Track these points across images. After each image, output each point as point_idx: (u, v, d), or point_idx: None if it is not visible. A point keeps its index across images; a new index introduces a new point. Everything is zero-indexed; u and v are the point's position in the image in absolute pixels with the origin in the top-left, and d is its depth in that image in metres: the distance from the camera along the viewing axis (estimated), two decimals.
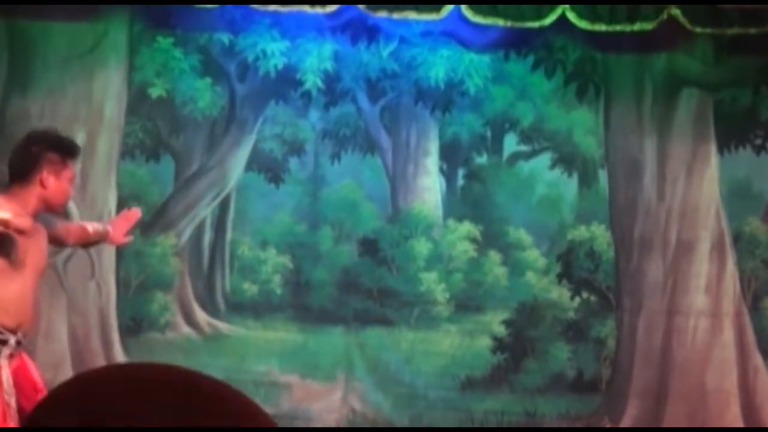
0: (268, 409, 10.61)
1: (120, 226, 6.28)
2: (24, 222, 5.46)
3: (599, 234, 9.81)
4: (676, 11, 8.75)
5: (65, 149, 5.68)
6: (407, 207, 9.97)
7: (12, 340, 5.54)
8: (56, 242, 6.07)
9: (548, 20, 8.80)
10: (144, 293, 9.79)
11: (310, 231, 9.92)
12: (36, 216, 5.63)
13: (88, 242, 6.25)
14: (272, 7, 8.87)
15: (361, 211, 9.93)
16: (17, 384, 5.59)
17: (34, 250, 5.62)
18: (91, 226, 6.23)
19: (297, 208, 9.97)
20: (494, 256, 9.92)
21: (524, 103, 9.85)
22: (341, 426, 9.63)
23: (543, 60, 9.67)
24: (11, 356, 5.57)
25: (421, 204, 9.97)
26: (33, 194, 5.58)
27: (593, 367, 9.78)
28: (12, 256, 5.47)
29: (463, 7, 8.77)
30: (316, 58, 9.58)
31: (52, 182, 5.60)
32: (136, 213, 6.29)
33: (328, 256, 9.87)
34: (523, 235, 9.94)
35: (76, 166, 5.77)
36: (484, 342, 9.82)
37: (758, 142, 9.82)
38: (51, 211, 5.71)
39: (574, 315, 9.83)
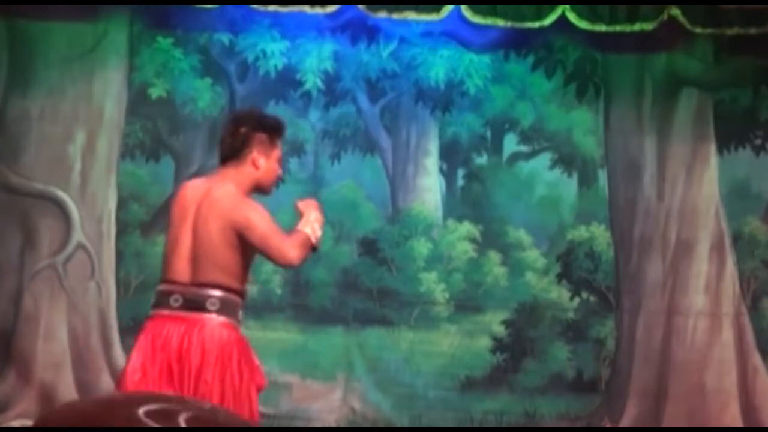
0: (268, 409, 10.62)
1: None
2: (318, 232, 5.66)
3: (599, 234, 9.82)
4: (676, 11, 8.75)
5: (272, 128, 5.64)
6: (407, 207, 9.97)
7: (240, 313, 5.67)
8: None
9: (548, 20, 8.80)
10: (144, 293, 9.76)
11: None
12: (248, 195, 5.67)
13: None
14: (272, 7, 8.87)
15: (361, 211, 9.93)
16: None
17: None
18: None
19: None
20: (494, 256, 9.92)
21: (524, 104, 9.86)
22: (341, 426, 9.63)
23: (543, 60, 9.68)
24: None
25: (420, 204, 9.97)
26: (247, 175, 5.60)
27: (593, 367, 9.79)
28: None
29: (463, 8, 8.77)
30: (316, 59, 9.59)
31: (263, 162, 5.61)
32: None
33: (328, 256, 9.86)
34: (522, 236, 9.94)
35: (282, 145, 5.75)
36: (484, 342, 9.83)
37: (758, 142, 9.82)
38: (261, 191, 5.73)
39: (573, 315, 9.84)
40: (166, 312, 5.59)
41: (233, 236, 5.51)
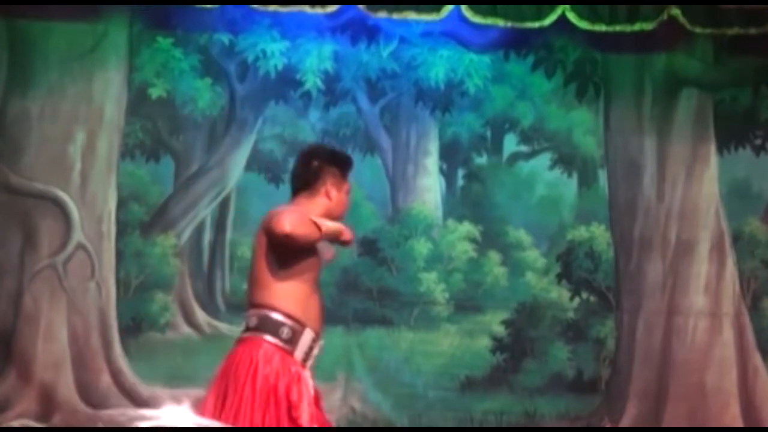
0: None
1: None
2: (350, 234, 5.72)
3: (599, 234, 9.82)
4: (676, 11, 8.75)
5: (343, 163, 5.87)
6: (407, 207, 9.97)
7: (316, 349, 5.77)
8: None
9: (548, 20, 8.79)
10: (144, 293, 9.79)
11: None
12: None
13: None
14: (272, 7, 8.86)
15: (361, 211, 9.93)
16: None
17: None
18: None
19: None
20: (494, 256, 9.92)
21: (524, 103, 9.86)
22: (341, 426, 9.63)
23: (543, 60, 9.67)
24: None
25: (420, 204, 9.98)
26: (320, 206, 5.76)
27: (593, 367, 9.79)
28: (317, 272, 5.76)
29: (463, 8, 8.77)
30: (316, 59, 9.59)
31: (335, 194, 5.80)
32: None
33: None
34: (522, 236, 9.95)
35: (350, 180, 5.91)
36: (484, 342, 9.83)
37: (758, 142, 9.83)
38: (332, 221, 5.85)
39: (573, 315, 9.84)
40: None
41: (264, 241, 5.64)
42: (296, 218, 5.56)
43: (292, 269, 5.66)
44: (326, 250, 5.75)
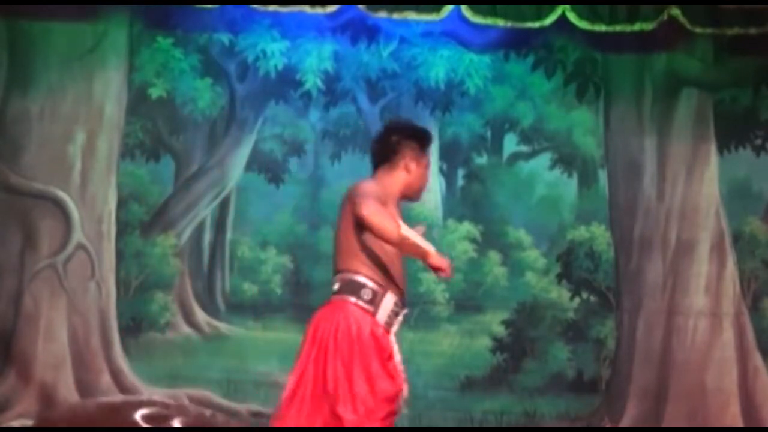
0: (268, 409, 10.58)
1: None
2: (441, 261, 5.74)
3: (599, 234, 9.81)
4: (676, 11, 8.75)
5: (422, 138, 5.93)
6: (407, 207, 9.95)
7: (401, 314, 5.89)
8: None
9: (548, 20, 8.80)
10: (144, 293, 9.80)
11: (310, 231, 9.92)
12: (400, 201, 5.94)
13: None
14: (272, 7, 8.87)
15: None
16: None
17: None
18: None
19: (297, 209, 9.97)
20: (494, 256, 9.92)
21: (524, 103, 9.86)
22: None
23: (543, 60, 9.67)
24: None
25: (420, 204, 9.94)
26: (398, 180, 5.88)
27: (593, 367, 9.78)
28: None
29: (463, 8, 8.77)
30: (316, 59, 9.59)
31: (414, 168, 5.88)
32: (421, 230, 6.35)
33: (328, 256, 9.76)
34: (522, 236, 9.95)
35: (430, 154, 6.01)
36: (484, 342, 9.83)
37: (758, 142, 9.82)
38: (409, 196, 6.00)
39: (573, 315, 9.84)
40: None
41: (348, 214, 5.75)
42: (377, 210, 5.62)
43: (374, 236, 5.72)
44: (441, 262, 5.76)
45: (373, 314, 5.78)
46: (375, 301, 5.78)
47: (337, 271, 5.86)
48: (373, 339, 5.74)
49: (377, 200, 5.68)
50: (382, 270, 5.79)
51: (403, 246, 5.67)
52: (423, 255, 5.68)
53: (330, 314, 5.82)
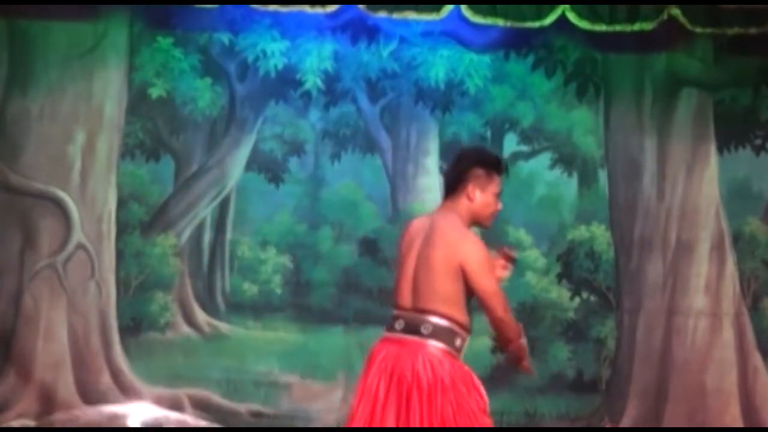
0: (268, 409, 10.58)
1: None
2: (527, 366, 6.03)
3: (599, 234, 9.81)
4: (676, 11, 8.75)
5: (489, 164, 5.87)
6: (407, 207, 9.97)
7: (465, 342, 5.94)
8: None
9: (548, 20, 8.79)
10: (144, 293, 9.80)
11: (310, 231, 9.92)
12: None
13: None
14: (272, 7, 8.87)
15: (361, 211, 9.93)
16: None
17: None
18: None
19: (297, 208, 9.97)
20: (494, 256, 9.90)
21: (524, 103, 9.86)
22: (341, 426, 9.62)
23: (543, 60, 9.67)
24: None
25: (421, 204, 9.96)
26: (463, 207, 5.83)
27: (593, 367, 9.78)
28: None
29: (463, 7, 8.77)
30: (316, 58, 9.59)
31: (478, 195, 5.82)
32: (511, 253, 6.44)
33: (328, 256, 9.87)
34: (523, 235, 9.94)
35: (501, 182, 5.93)
36: (484, 342, 9.78)
37: (758, 142, 9.82)
38: (478, 224, 5.94)
39: (573, 315, 9.84)
40: (390, 335, 5.87)
41: (456, 266, 5.74)
42: (498, 292, 5.83)
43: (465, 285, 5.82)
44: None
45: (457, 358, 5.89)
46: (461, 348, 5.90)
47: (425, 311, 5.80)
48: (464, 382, 5.91)
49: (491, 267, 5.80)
50: (466, 316, 5.88)
51: (514, 352, 5.98)
52: (522, 359, 6.06)
53: (438, 360, 5.83)
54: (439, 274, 5.75)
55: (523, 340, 5.94)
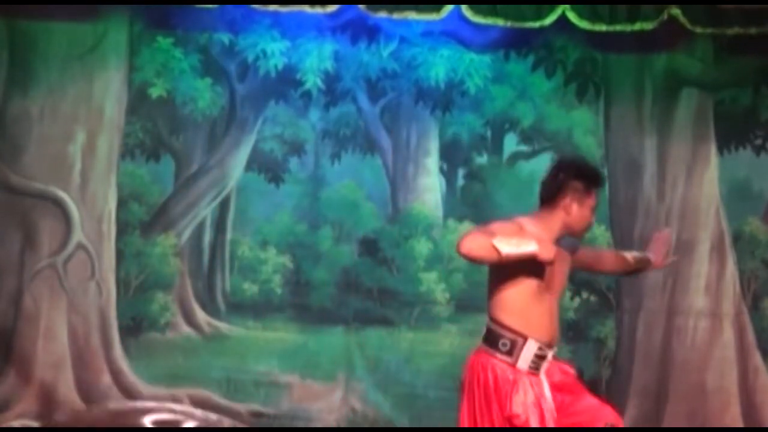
0: (268, 409, 10.58)
1: (658, 249, 6.46)
2: (548, 253, 5.63)
3: (599, 234, 9.81)
4: (676, 11, 8.75)
5: (589, 178, 5.89)
6: (407, 207, 9.97)
7: (549, 354, 5.87)
8: (584, 267, 6.41)
9: (548, 20, 8.79)
10: (144, 293, 9.80)
11: (310, 231, 9.92)
12: (559, 240, 5.88)
13: (628, 270, 6.49)
14: (272, 7, 8.87)
15: (361, 211, 9.93)
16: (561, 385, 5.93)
17: (559, 273, 5.89)
18: (630, 255, 6.49)
19: (297, 208, 9.97)
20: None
21: (524, 103, 9.86)
22: (341, 426, 9.63)
23: (543, 60, 9.68)
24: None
25: (421, 204, 9.97)
26: (557, 219, 5.86)
27: (593, 367, 9.78)
28: (544, 280, 5.79)
29: (463, 7, 8.77)
30: (316, 58, 9.59)
31: (575, 209, 5.86)
32: (668, 234, 6.50)
33: (328, 256, 9.87)
34: None
35: (598, 195, 5.96)
36: None
37: (758, 142, 9.82)
38: (570, 235, 5.94)
39: (574, 315, 9.84)
40: None
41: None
42: (473, 238, 5.60)
43: (510, 280, 5.80)
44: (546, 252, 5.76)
45: (513, 364, 5.81)
46: (513, 351, 5.81)
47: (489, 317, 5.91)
48: (501, 402, 5.84)
49: (482, 231, 5.67)
50: (520, 316, 5.80)
51: (507, 260, 5.61)
52: (531, 256, 5.62)
53: (471, 366, 5.98)
54: (491, 279, 5.83)
55: (514, 252, 5.63)
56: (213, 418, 9.47)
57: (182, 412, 9.50)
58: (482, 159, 10.08)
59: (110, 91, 9.59)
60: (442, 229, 9.94)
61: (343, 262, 9.88)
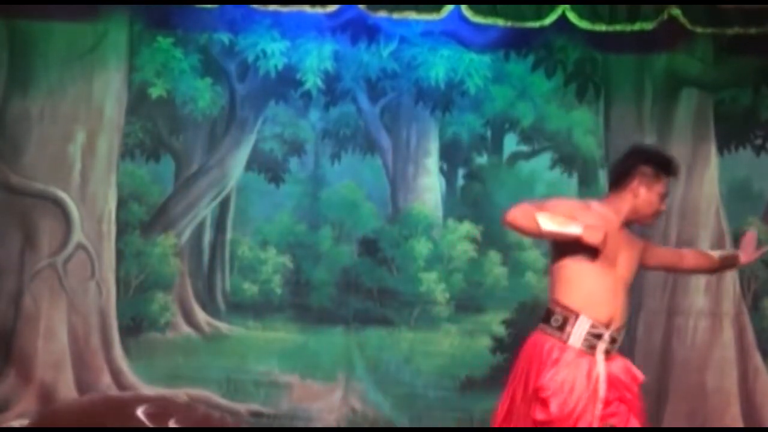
0: (268, 409, 10.59)
1: (748, 246, 6.50)
2: (595, 237, 5.70)
3: None
4: (676, 11, 8.75)
5: (659, 164, 5.96)
6: (407, 207, 9.97)
7: (606, 334, 5.87)
8: (665, 267, 6.64)
9: (548, 20, 8.80)
10: (144, 293, 9.80)
11: (310, 231, 9.92)
12: (628, 223, 6.03)
13: (713, 267, 6.55)
14: (272, 7, 8.87)
15: (361, 211, 9.93)
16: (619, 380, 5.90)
17: (626, 257, 6.05)
18: (717, 253, 6.60)
19: (297, 208, 9.97)
20: (494, 256, 9.91)
21: (524, 103, 9.85)
22: (341, 426, 9.63)
23: (543, 60, 9.68)
24: (607, 352, 5.89)
25: (421, 204, 9.97)
26: (626, 202, 5.96)
27: None
28: (601, 254, 5.84)
29: (463, 7, 8.77)
30: (316, 58, 9.59)
31: (643, 193, 5.96)
32: (754, 234, 6.52)
33: (328, 256, 9.87)
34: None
35: (669, 184, 6.02)
36: (484, 342, 9.82)
37: (758, 142, 9.82)
38: (639, 221, 6.08)
39: None
40: None
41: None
42: (521, 208, 5.78)
43: (566, 258, 5.88)
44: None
45: (565, 340, 5.84)
46: (564, 326, 5.85)
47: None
48: (536, 378, 5.81)
49: (535, 204, 5.82)
50: (575, 292, 5.87)
51: (549, 236, 5.75)
52: (575, 238, 5.69)
53: (528, 340, 5.95)
54: (551, 258, 5.94)
55: (556, 230, 5.73)
56: (215, 415, 9.46)
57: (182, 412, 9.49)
58: (482, 159, 10.07)
59: (110, 91, 9.59)
60: (442, 229, 9.94)
61: (343, 262, 9.88)
